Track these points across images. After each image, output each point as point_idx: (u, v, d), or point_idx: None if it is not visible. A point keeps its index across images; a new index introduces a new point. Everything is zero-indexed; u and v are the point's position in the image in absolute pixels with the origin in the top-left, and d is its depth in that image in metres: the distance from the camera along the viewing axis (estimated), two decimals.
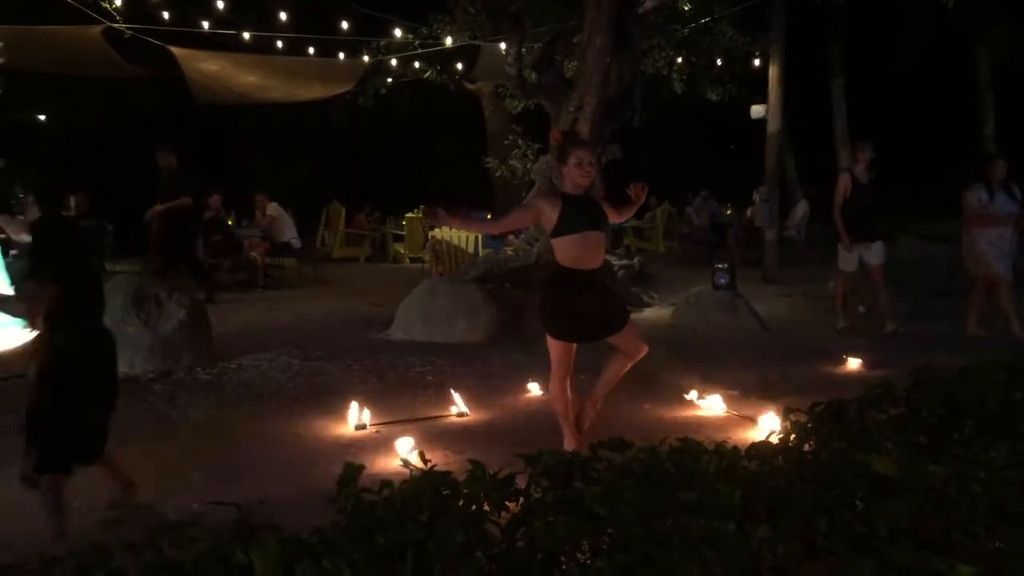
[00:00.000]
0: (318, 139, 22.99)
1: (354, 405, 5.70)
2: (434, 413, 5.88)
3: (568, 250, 4.70)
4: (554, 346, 4.83)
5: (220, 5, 12.74)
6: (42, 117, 19.06)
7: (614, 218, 5.20)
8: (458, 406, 5.86)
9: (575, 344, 4.84)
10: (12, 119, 17.37)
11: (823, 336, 8.61)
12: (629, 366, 4.98)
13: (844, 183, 8.91)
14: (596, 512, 1.86)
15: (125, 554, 1.71)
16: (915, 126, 24.58)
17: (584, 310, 4.73)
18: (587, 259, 4.71)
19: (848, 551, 1.70)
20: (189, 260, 10.93)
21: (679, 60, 15.04)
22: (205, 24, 13.14)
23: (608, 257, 9.17)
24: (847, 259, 8.95)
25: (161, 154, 10.49)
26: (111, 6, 11.61)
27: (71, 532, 3.86)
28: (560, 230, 4.67)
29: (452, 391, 6.03)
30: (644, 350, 4.94)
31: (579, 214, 4.68)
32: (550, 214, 4.66)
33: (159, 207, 10.38)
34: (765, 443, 2.41)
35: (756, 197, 15.41)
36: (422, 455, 2.32)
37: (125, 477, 4.29)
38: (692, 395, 6.02)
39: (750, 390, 6.20)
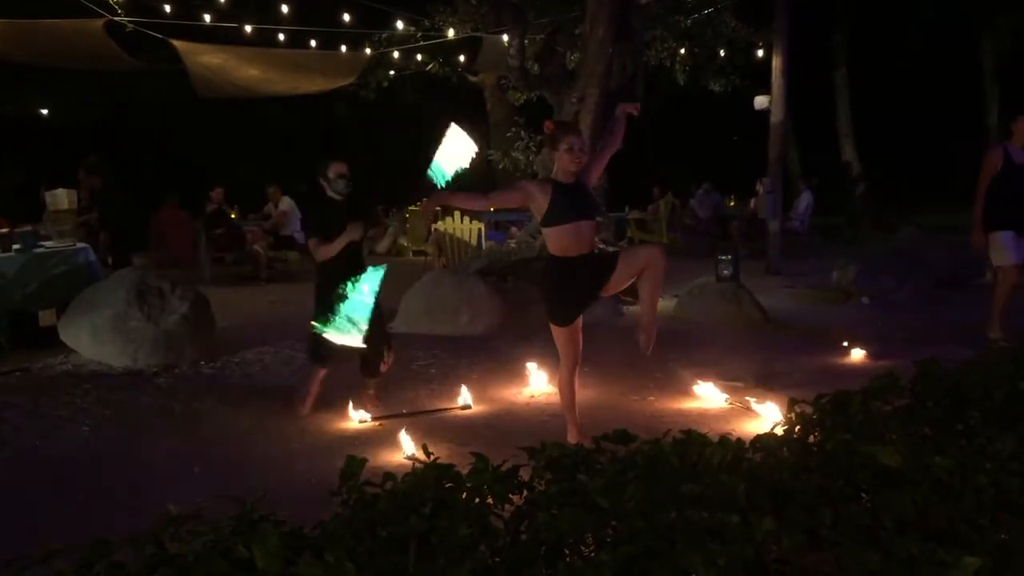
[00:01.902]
0: (320, 132, 22.99)
1: (357, 398, 5.71)
2: (437, 406, 5.89)
3: (558, 239, 4.74)
4: (559, 334, 4.84)
5: None
6: (43, 111, 19.07)
7: (606, 149, 5.12)
8: (462, 399, 5.86)
9: (580, 329, 4.86)
10: (12, 112, 17.38)
11: (827, 327, 8.57)
12: (661, 278, 4.80)
13: (994, 161, 7.30)
14: (600, 505, 1.85)
15: (126, 547, 1.70)
16: (919, 116, 24.53)
17: (578, 290, 4.77)
18: (576, 247, 4.74)
19: (853, 543, 1.69)
20: None
21: (682, 51, 15.01)
22: (207, 17, 13.13)
23: (611, 249, 9.15)
24: (1002, 252, 7.29)
25: (84, 174, 10.23)
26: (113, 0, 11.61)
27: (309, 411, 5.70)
28: (550, 219, 4.70)
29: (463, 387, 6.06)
30: (660, 257, 4.77)
31: (569, 203, 4.69)
32: (540, 200, 4.68)
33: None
34: (769, 435, 2.40)
35: (760, 188, 15.37)
36: (425, 448, 2.31)
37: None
38: (697, 387, 6.01)
39: (754, 382, 6.19)
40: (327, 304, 5.11)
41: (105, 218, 11.41)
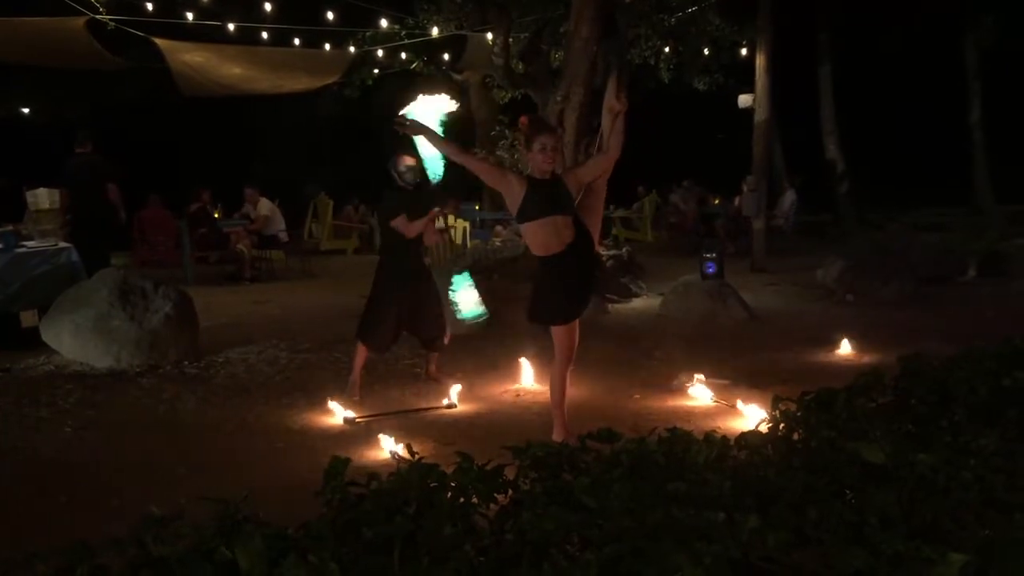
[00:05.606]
0: (305, 131, 22.92)
1: (342, 398, 5.69)
2: (422, 405, 5.87)
3: (535, 237, 4.78)
4: (559, 333, 4.85)
5: None
6: (25, 110, 18.93)
7: (598, 166, 4.99)
8: (447, 398, 5.85)
9: (577, 324, 4.86)
10: None
11: (811, 325, 8.61)
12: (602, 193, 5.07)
13: None
14: (585, 504, 1.85)
15: (108, 550, 1.69)
16: (902, 114, 24.63)
17: (577, 281, 4.83)
18: (555, 243, 4.75)
19: (839, 540, 1.69)
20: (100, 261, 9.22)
21: (666, 49, 15.03)
22: (189, 15, 13.05)
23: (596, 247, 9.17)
24: None
25: (79, 143, 10.14)
26: None
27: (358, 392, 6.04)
28: (524, 215, 4.74)
29: (451, 383, 6.06)
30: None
31: (543, 199, 4.71)
32: (516, 192, 4.72)
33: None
34: (754, 433, 2.40)
35: (745, 186, 15.43)
36: (409, 447, 2.30)
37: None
38: (682, 385, 6.02)
39: (739, 379, 6.20)
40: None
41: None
